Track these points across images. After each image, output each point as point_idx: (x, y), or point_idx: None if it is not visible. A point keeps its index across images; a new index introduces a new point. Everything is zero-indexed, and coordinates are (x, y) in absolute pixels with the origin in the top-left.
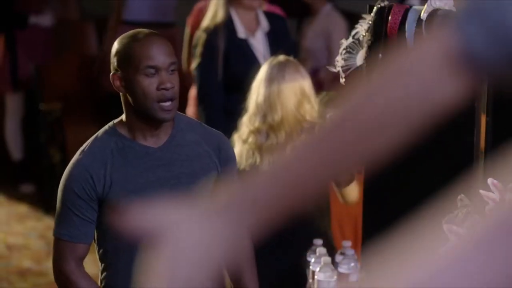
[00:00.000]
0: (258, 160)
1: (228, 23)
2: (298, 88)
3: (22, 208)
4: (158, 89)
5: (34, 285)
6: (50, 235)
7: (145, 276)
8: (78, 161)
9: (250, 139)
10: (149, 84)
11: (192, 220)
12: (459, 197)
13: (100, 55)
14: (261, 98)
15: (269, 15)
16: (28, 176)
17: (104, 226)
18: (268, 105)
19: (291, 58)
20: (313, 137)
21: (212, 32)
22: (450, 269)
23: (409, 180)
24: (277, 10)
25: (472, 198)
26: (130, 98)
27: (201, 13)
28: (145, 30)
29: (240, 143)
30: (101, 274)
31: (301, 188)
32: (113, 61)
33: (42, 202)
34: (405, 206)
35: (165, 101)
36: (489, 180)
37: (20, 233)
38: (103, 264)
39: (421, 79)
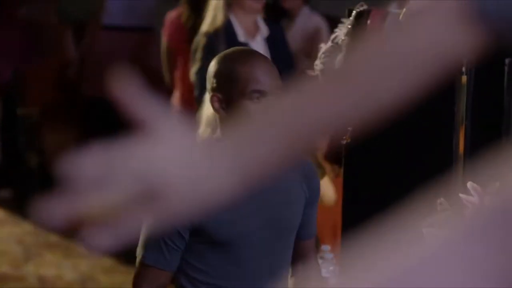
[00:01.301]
0: None
1: (227, 27)
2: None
3: (0, 213)
4: None
5: None
6: (28, 240)
7: None
8: None
9: None
10: (255, 109)
11: None
12: (439, 201)
13: (77, 60)
14: (211, 110)
15: (267, 21)
16: (5, 181)
17: (193, 254)
18: None
19: None
20: (315, 84)
21: (212, 36)
22: (422, 269)
23: (388, 184)
24: None
25: (452, 202)
26: (231, 121)
27: (175, 23)
28: (248, 49)
29: None
30: None
31: (292, 137)
32: (212, 81)
33: (20, 207)
34: (385, 210)
35: None
36: (469, 184)
37: None
38: None
39: (430, 33)
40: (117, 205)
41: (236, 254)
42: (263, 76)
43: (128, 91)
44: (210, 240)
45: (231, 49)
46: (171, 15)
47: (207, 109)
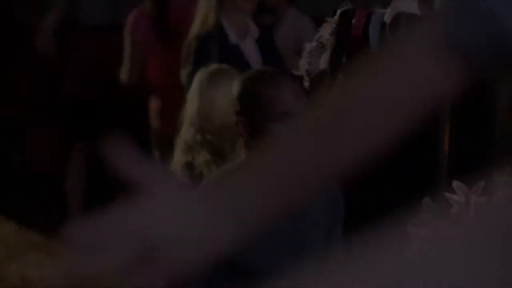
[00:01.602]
0: (205, 172)
1: (219, 28)
2: (232, 95)
3: None
4: None
5: None
6: (10, 240)
7: None
8: None
9: (191, 152)
10: (279, 134)
11: None
12: (424, 200)
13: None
14: (194, 110)
15: (257, 22)
16: None
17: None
18: (203, 116)
19: (223, 65)
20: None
21: (204, 38)
22: (414, 272)
23: (373, 183)
24: None
25: (438, 200)
26: (255, 144)
27: (138, 14)
28: (270, 69)
29: (180, 155)
30: None
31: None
32: (236, 105)
33: (2, 206)
34: (370, 208)
35: None
36: (454, 183)
37: None
38: None
39: (408, 71)
40: (120, 269)
41: (254, 281)
42: (288, 96)
43: (122, 156)
44: (233, 268)
45: (253, 70)
46: (135, 12)
47: (189, 109)
